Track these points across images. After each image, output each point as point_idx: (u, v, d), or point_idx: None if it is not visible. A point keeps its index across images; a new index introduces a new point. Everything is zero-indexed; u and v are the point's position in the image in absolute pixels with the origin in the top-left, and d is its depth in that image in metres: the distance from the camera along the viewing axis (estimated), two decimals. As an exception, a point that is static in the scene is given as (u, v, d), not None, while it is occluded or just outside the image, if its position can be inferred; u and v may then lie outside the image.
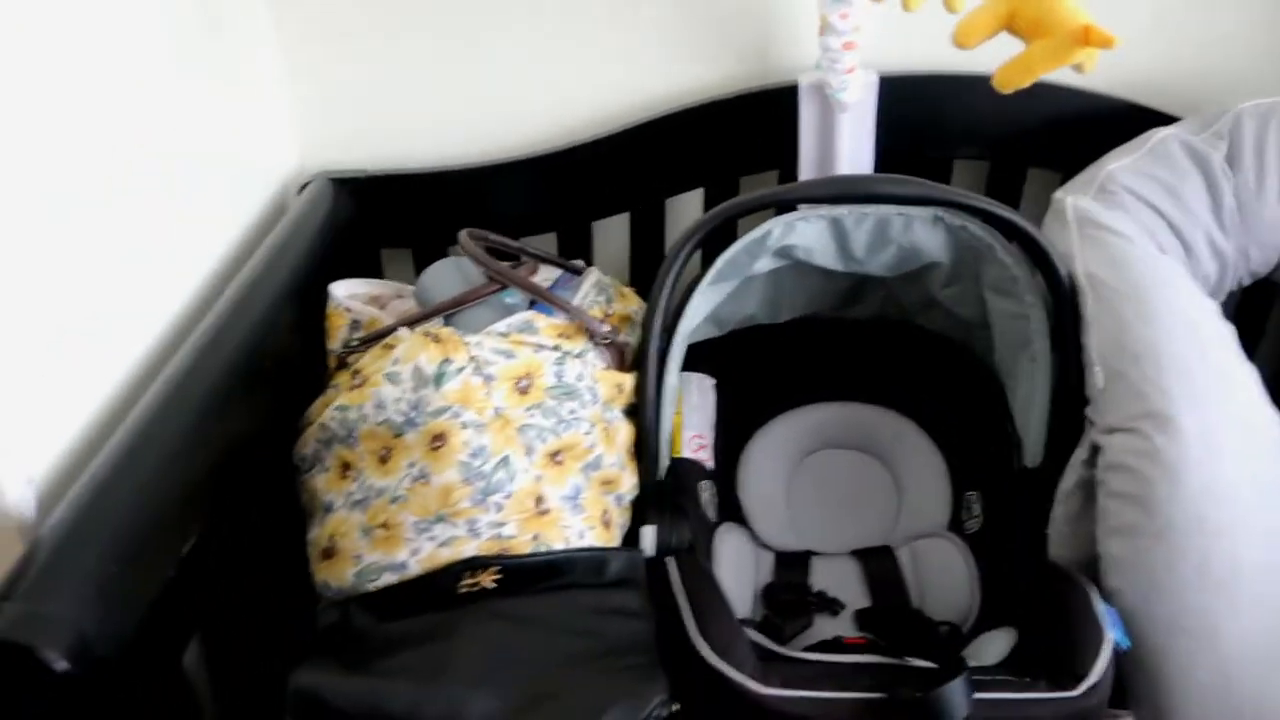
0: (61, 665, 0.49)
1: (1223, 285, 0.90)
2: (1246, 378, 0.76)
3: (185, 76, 0.81)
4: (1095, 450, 0.76)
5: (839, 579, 0.91)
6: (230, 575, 0.68)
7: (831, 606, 0.87)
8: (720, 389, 0.96)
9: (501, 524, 0.70)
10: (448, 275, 0.82)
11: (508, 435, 0.70)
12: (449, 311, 0.78)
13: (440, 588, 0.69)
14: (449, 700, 0.58)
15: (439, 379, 0.70)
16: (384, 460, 0.71)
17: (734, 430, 0.97)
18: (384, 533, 0.70)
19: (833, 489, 0.97)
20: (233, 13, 0.91)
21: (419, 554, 0.69)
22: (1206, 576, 0.68)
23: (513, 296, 0.84)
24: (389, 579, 0.70)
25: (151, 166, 0.75)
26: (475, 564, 0.69)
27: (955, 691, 0.60)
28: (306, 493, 0.77)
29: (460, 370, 0.70)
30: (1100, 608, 0.69)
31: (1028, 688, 0.63)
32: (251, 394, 0.73)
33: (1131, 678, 0.74)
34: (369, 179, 1.00)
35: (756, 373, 0.99)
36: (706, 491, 0.89)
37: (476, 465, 0.69)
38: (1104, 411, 0.75)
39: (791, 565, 0.91)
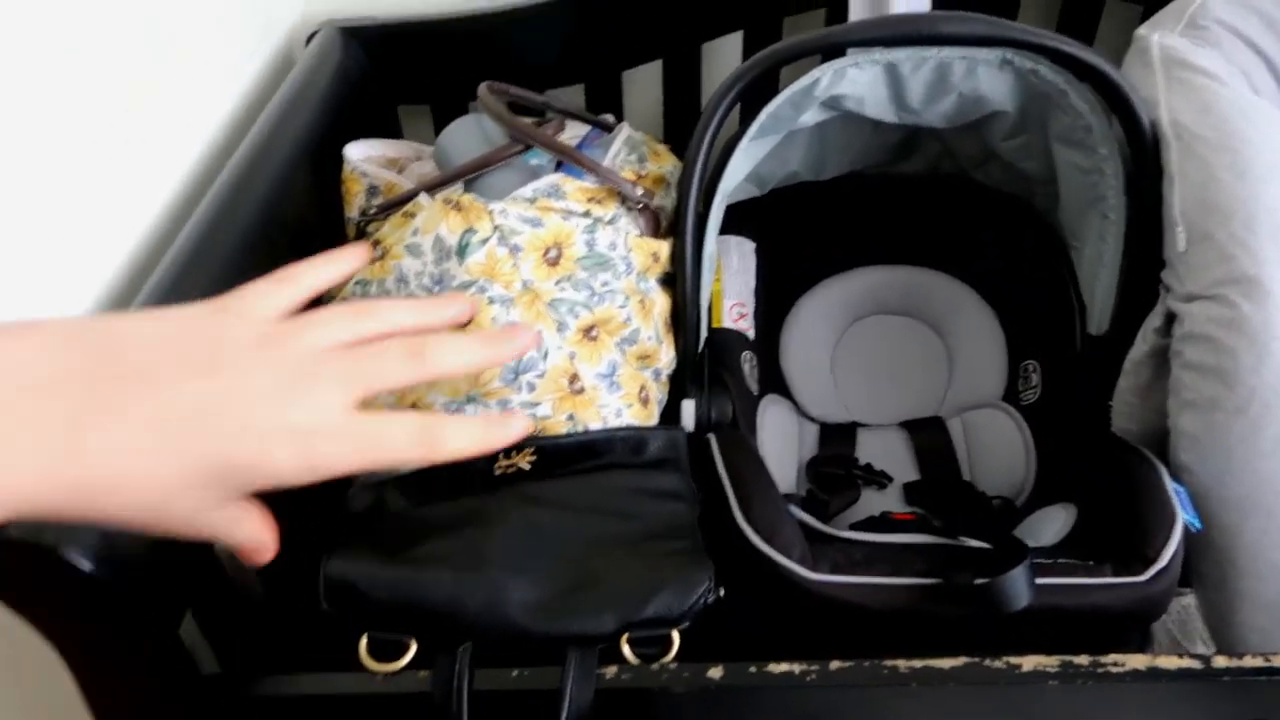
0: (87, 566, 0.47)
1: (1317, 132, 0.82)
2: (1346, 237, 0.68)
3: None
4: (1171, 318, 0.71)
5: (887, 451, 0.87)
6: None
7: (879, 480, 0.84)
8: (761, 252, 0.91)
9: (535, 404, 0.66)
10: (468, 135, 0.75)
11: (538, 310, 0.66)
12: (470, 175, 0.72)
13: (476, 470, 0.66)
14: (490, 589, 0.56)
15: (462, 250, 0.65)
16: (409, 338, 0.67)
17: (777, 296, 0.92)
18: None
19: (881, 357, 0.92)
20: None
21: (450, 436, 0.66)
22: (1287, 452, 0.64)
23: (538, 157, 0.78)
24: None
25: (135, 16, 0.69)
26: (510, 445, 0.66)
27: (1018, 579, 0.57)
28: (332, 371, 0.73)
29: (484, 241, 0.65)
30: (1170, 486, 0.65)
31: (1092, 572, 0.60)
32: (268, 267, 0.68)
33: (1197, 558, 0.70)
34: (381, 28, 0.92)
35: (800, 234, 0.93)
36: (748, 363, 0.85)
37: (506, 343, 0.65)
38: (1184, 277, 0.69)
39: (837, 437, 0.88)
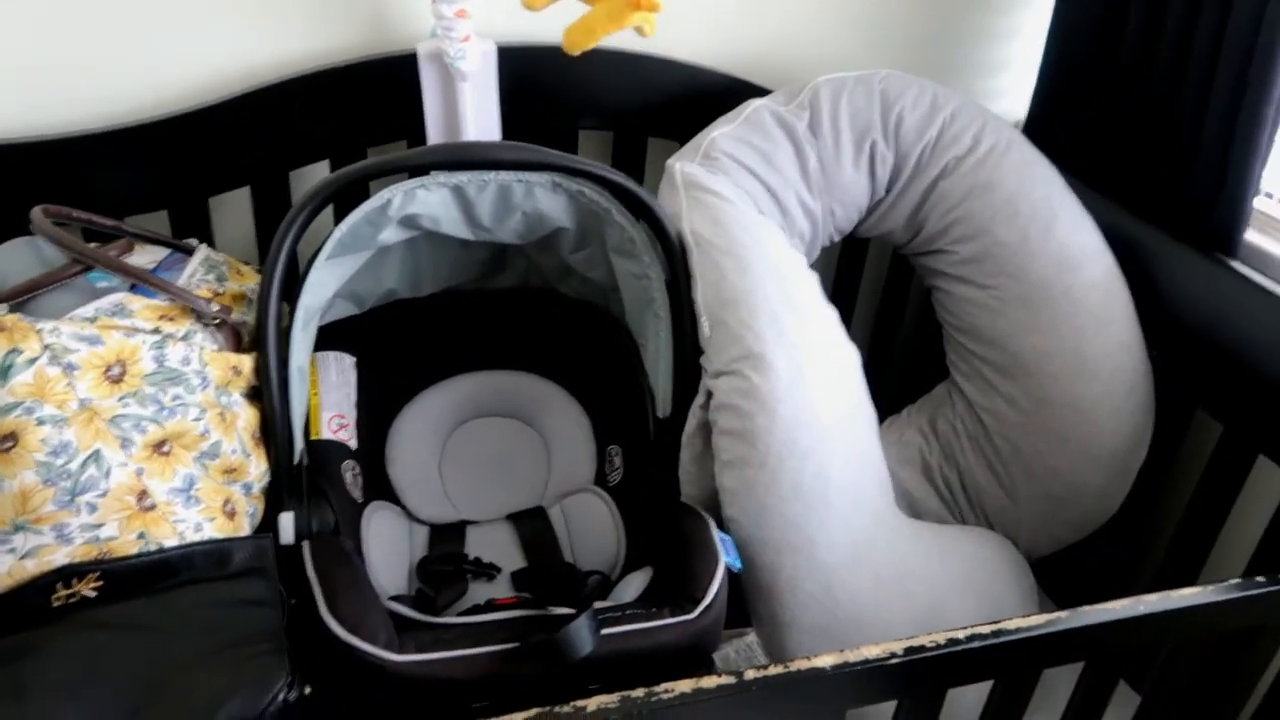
0: None
1: (816, 241, 1.02)
2: (827, 317, 0.85)
3: None
4: (709, 394, 0.83)
5: (495, 544, 0.92)
6: None
7: (487, 571, 0.88)
8: (363, 366, 0.94)
9: (98, 525, 0.63)
10: (20, 257, 0.72)
11: (97, 428, 0.64)
12: (21, 298, 0.69)
13: (27, 604, 0.61)
14: (30, 724, 0.52)
15: (5, 372, 0.62)
16: (-57, 470, 0.62)
17: (379, 407, 0.95)
18: (-52, 552, 0.61)
19: (485, 457, 0.98)
20: None
21: (-4, 571, 0.61)
22: (800, 494, 0.77)
23: (107, 280, 0.76)
24: (-39, 604, 0.61)
25: None
26: (70, 573, 0.62)
27: (580, 629, 0.62)
28: None
29: (32, 361, 0.63)
30: (716, 536, 0.75)
31: (651, 617, 0.68)
32: None
33: (752, 599, 0.81)
34: (-79, 154, 0.86)
35: (400, 348, 0.97)
36: (350, 472, 0.86)
37: (60, 464, 0.62)
38: (711, 358, 0.82)
39: (446, 537, 0.91)
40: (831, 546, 0.78)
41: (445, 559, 0.88)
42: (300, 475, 0.80)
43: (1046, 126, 1.09)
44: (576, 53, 0.85)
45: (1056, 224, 0.96)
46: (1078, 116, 1.06)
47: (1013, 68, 1.18)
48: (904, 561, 0.85)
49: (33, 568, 0.62)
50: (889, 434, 1.06)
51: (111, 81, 0.91)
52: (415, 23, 0.97)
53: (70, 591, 0.62)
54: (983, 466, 1.00)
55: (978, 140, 0.98)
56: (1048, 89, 1.09)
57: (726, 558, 0.73)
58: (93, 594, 0.62)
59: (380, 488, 0.92)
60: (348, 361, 0.93)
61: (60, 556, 0.62)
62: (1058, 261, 0.95)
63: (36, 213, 0.73)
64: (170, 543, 0.66)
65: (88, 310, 0.69)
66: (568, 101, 1.03)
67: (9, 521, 0.61)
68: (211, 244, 0.97)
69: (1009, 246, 0.97)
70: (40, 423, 0.62)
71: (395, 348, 0.97)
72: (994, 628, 0.66)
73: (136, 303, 0.71)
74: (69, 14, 0.88)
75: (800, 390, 0.78)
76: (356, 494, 0.86)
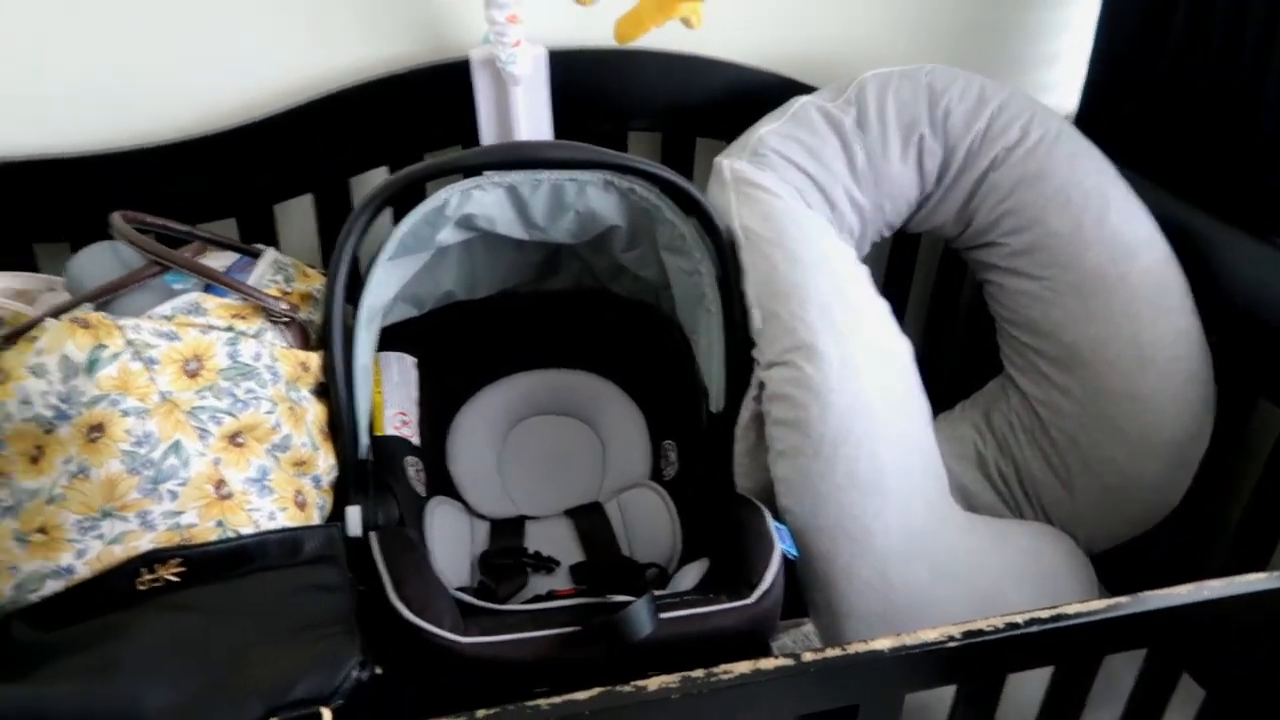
0: None
1: (865, 236, 1.02)
2: (878, 309, 0.86)
3: None
4: (761, 386, 0.84)
5: (554, 539, 0.94)
6: None
7: (547, 565, 0.90)
8: (423, 366, 0.96)
9: (179, 513, 0.66)
10: (102, 260, 0.76)
11: (176, 419, 0.67)
12: (104, 298, 0.72)
13: (115, 588, 0.64)
14: (123, 695, 0.55)
15: (92, 366, 0.65)
16: (35, 460, 0.65)
17: (440, 405, 0.97)
18: (42, 537, 0.64)
19: (542, 454, 1.00)
20: None
21: (86, 555, 0.64)
22: (855, 481, 0.77)
23: (182, 282, 0.80)
24: (54, 587, 0.64)
25: None
26: (153, 558, 0.65)
27: (640, 611, 0.64)
28: (-50, 509, 0.69)
29: (116, 356, 0.66)
30: (771, 524, 0.76)
31: (709, 602, 0.69)
32: None
33: (808, 588, 0.82)
34: (2, 166, 0.90)
35: (459, 348, 1.00)
36: (413, 467, 0.89)
37: (143, 453, 0.65)
38: (763, 349, 0.83)
39: (506, 531, 0.93)
40: (887, 533, 0.78)
41: (506, 553, 0.90)
42: (366, 470, 0.83)
43: (1097, 119, 1.08)
44: (625, 44, 0.87)
45: (1109, 212, 0.95)
46: (1129, 108, 1.05)
47: (1061, 62, 1.18)
48: (960, 552, 0.85)
49: (120, 553, 0.65)
50: (943, 429, 1.05)
51: (182, 97, 0.95)
52: (467, 30, 0.99)
53: (154, 576, 0.65)
54: (1039, 459, 0.99)
55: (1026, 131, 0.98)
56: (1098, 81, 1.08)
57: (782, 545, 0.74)
58: (175, 578, 0.65)
59: (442, 484, 0.94)
60: (409, 361, 0.95)
61: (145, 542, 0.65)
62: (1112, 249, 0.94)
63: (116, 217, 0.77)
64: (246, 530, 0.69)
65: (165, 309, 0.72)
66: (617, 104, 1.04)
67: (97, 508, 0.64)
68: (278, 249, 1.00)
69: (1062, 236, 0.96)
70: (124, 414, 0.65)
71: (454, 348, 0.99)
72: (1054, 612, 0.66)
73: (210, 302, 0.74)
74: (143, 37, 0.93)
75: (853, 379, 0.79)
76: (419, 489, 0.88)
